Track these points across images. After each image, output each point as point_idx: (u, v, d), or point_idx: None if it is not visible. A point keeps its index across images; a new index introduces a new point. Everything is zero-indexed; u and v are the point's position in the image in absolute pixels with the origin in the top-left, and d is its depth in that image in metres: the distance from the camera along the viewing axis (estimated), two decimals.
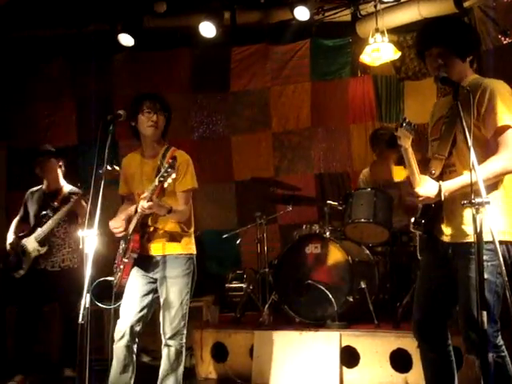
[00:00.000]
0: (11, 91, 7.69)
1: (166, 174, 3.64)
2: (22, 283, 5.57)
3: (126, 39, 7.15)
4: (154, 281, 4.03)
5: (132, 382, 3.98)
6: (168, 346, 3.98)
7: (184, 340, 4.02)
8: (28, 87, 7.79)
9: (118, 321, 3.98)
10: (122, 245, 4.02)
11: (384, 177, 5.81)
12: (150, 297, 4.03)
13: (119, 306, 3.96)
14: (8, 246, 5.69)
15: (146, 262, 4.02)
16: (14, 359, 5.76)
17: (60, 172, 5.75)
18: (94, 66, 7.61)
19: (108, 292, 3.95)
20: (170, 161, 3.68)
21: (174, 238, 4.03)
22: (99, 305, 3.77)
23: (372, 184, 5.84)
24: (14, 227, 5.82)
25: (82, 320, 3.06)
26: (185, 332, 4.03)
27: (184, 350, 4.04)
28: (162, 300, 3.99)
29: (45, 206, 5.61)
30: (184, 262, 4.02)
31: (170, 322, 3.96)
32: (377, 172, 5.96)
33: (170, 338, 3.96)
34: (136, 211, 3.93)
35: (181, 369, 4.02)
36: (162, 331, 4.00)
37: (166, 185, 3.72)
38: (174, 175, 3.65)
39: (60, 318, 5.80)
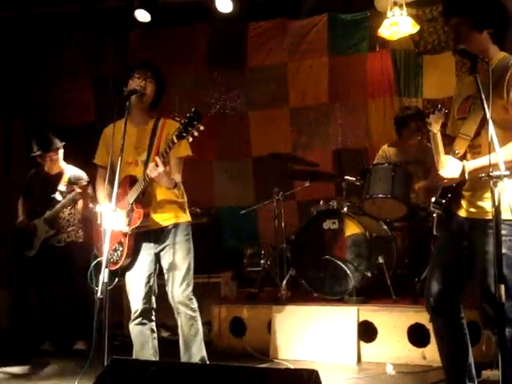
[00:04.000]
0: (30, 69, 7.69)
1: (190, 128, 3.39)
2: (35, 261, 5.74)
3: (142, 15, 7.09)
4: (158, 253, 3.95)
5: (154, 358, 3.92)
6: (180, 313, 3.91)
7: (196, 305, 3.95)
8: (46, 64, 7.78)
9: (130, 302, 3.96)
10: (118, 218, 3.64)
11: (411, 154, 5.78)
12: (155, 273, 3.97)
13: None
14: (18, 225, 5.84)
15: (150, 234, 3.94)
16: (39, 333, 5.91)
17: (61, 156, 5.86)
18: (110, 42, 7.60)
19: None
20: (192, 111, 3.41)
21: (180, 207, 4.00)
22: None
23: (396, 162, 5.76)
24: (21, 206, 5.96)
25: (101, 295, 3.08)
26: (193, 298, 3.95)
27: (198, 314, 3.97)
28: (167, 267, 3.91)
29: (51, 189, 5.72)
30: (188, 229, 4.01)
31: (177, 285, 3.89)
32: (402, 152, 5.90)
33: (180, 302, 3.89)
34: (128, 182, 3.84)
35: (200, 335, 3.96)
36: (170, 299, 3.93)
37: (190, 139, 3.45)
38: (201, 127, 3.39)
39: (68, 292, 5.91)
